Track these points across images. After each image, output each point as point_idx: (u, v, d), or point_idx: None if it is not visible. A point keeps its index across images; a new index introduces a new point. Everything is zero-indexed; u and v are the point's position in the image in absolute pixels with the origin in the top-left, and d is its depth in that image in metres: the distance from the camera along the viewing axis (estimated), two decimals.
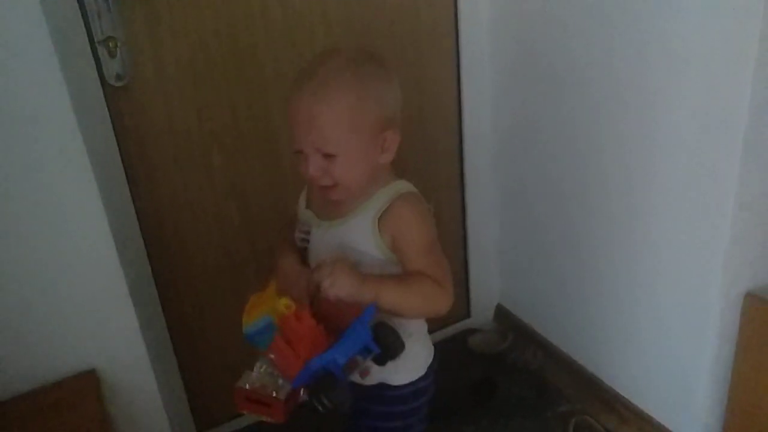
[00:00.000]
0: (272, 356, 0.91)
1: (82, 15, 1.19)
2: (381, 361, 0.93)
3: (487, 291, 1.96)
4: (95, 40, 1.22)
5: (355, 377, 1.02)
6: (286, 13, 1.40)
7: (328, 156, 0.92)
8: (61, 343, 1.20)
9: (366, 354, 0.92)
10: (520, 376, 1.70)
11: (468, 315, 1.97)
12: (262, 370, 0.99)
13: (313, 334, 0.88)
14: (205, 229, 1.47)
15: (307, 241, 1.05)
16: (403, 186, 1.00)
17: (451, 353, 1.79)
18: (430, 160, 1.71)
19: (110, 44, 1.24)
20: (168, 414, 1.39)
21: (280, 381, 0.96)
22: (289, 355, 0.87)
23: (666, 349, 1.42)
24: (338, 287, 0.88)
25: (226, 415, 1.62)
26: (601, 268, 1.52)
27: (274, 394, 0.92)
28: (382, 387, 1.06)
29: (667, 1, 1.17)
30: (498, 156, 1.76)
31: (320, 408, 0.87)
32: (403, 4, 1.53)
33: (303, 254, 1.07)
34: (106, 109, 1.26)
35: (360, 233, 0.97)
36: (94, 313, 1.22)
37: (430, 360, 1.10)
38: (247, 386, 0.96)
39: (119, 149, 1.31)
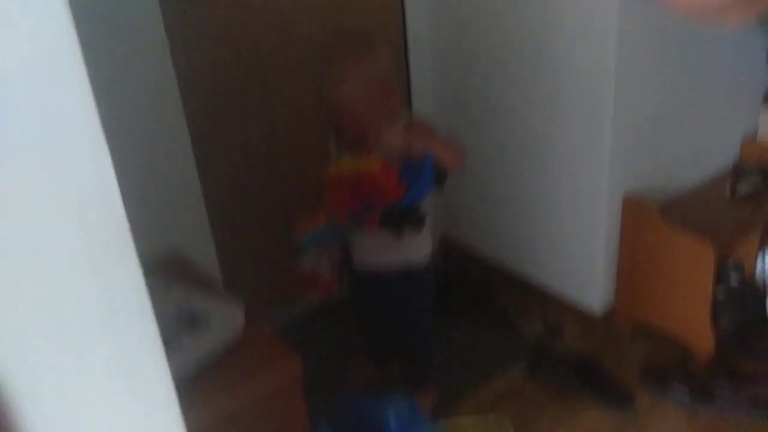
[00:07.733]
0: (377, 180, 1.27)
1: None
2: (418, 226, 1.41)
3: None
4: None
5: (385, 259, 1.47)
6: None
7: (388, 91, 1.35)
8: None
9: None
10: (466, 284, 2.27)
11: None
12: (311, 260, 1.48)
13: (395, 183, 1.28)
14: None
15: None
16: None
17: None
18: None
19: None
20: None
21: (325, 265, 1.45)
22: (393, 185, 1.26)
23: (573, 245, 2.04)
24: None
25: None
26: (521, 191, 2.10)
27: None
28: (404, 271, 1.49)
29: None
30: (443, 98, 2.30)
31: (408, 228, 1.33)
32: None
33: None
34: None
35: None
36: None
37: (432, 240, 1.60)
38: (305, 268, 1.43)
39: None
